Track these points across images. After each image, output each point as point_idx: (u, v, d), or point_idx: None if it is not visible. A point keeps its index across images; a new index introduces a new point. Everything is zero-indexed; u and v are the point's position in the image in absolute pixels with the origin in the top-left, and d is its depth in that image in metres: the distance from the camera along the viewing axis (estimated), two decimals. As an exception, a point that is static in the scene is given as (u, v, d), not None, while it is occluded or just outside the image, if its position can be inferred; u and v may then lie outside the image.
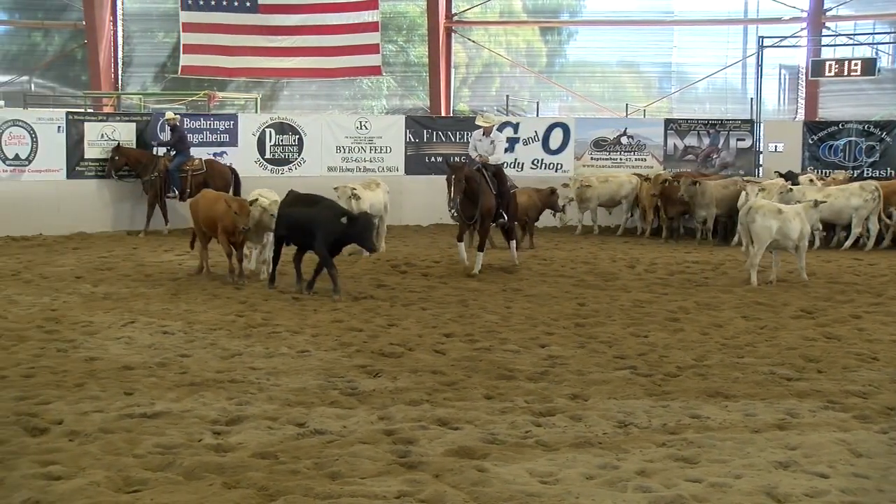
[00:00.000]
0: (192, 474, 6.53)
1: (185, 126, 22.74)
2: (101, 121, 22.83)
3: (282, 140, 23.69)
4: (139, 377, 9.16)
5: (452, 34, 32.12)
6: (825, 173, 23.54)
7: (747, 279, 15.28)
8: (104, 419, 7.73)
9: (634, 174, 23.41)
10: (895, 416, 8.01)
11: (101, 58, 30.46)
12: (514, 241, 17.40)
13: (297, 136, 23.77)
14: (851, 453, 7.04)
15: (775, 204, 15.94)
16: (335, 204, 14.79)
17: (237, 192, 20.92)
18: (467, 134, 24.58)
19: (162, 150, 21.94)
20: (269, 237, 15.22)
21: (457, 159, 18.74)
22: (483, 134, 16.56)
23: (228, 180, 21.64)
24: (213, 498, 6.12)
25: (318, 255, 14.02)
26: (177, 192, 21.61)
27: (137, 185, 21.89)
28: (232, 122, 23.63)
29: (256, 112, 27.32)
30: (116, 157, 21.69)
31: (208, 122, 23.46)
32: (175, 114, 22.76)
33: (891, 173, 23.24)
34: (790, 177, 21.52)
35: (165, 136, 22.20)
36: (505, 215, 16.56)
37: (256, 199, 14.86)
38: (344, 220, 13.68)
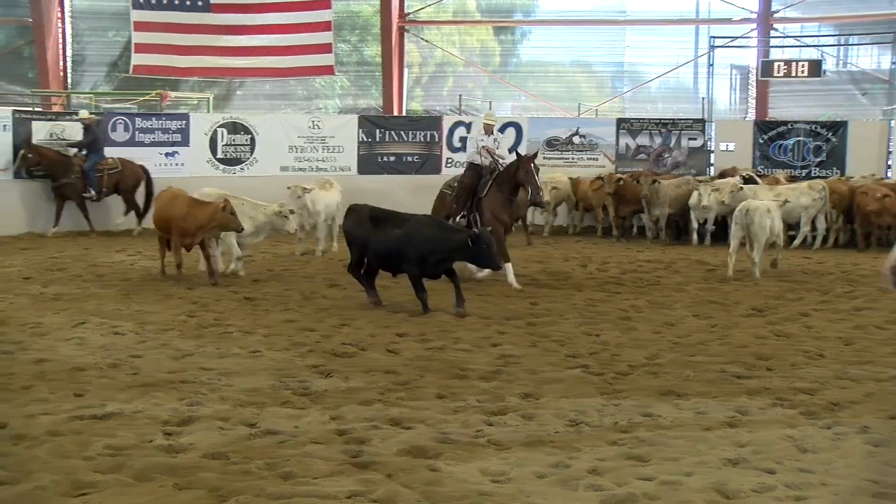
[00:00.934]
0: (143, 476, 6.47)
1: (138, 125, 22.60)
2: (50, 120, 22.61)
3: (234, 140, 23.57)
4: (90, 378, 9.07)
5: (406, 34, 32.11)
6: (771, 172, 23.83)
7: (727, 276, 15.71)
8: (53, 422, 7.63)
9: (566, 176, 23.62)
10: (840, 412, 8.12)
11: (49, 55, 30.08)
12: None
13: (250, 136, 23.66)
14: (798, 449, 7.13)
15: (766, 203, 16.19)
16: (432, 219, 14.03)
17: (149, 192, 20.92)
18: (420, 133, 24.76)
19: (73, 151, 21.62)
20: (230, 237, 15.24)
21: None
22: (486, 133, 16.03)
23: (141, 179, 21.53)
24: (165, 499, 6.08)
25: (411, 278, 12.95)
26: (93, 193, 21.36)
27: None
28: (184, 122, 23.47)
29: (209, 112, 27.15)
30: (29, 155, 21.28)
31: (160, 122, 23.31)
32: (90, 113, 22.54)
33: (837, 173, 23.55)
34: (751, 180, 21.73)
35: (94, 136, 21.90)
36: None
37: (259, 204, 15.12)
38: (466, 240, 12.65)
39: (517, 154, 16.05)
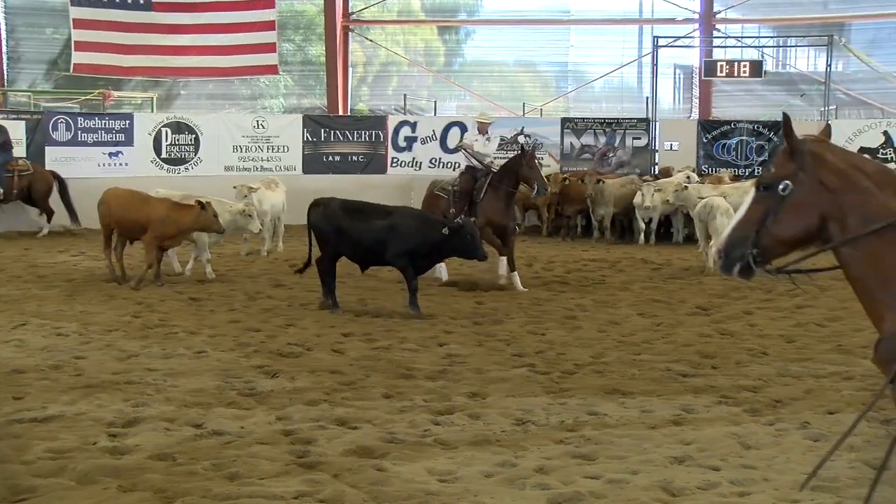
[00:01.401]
0: (86, 478, 6.38)
1: (80, 125, 22.38)
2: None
3: (178, 139, 23.41)
4: (30, 381, 8.94)
5: (350, 33, 32.01)
6: (715, 171, 24.08)
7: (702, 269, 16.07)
8: (-9, 425, 7.53)
9: None
10: (781, 409, 8.22)
11: (-17, 52, 29.51)
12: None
13: (194, 136, 23.51)
14: (742, 446, 7.20)
15: (726, 202, 16.45)
16: (417, 211, 13.79)
17: (65, 196, 20.66)
18: (365, 133, 24.71)
19: None
20: (204, 237, 15.13)
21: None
22: (479, 133, 15.99)
23: (51, 184, 21.25)
24: (109, 502, 6.01)
25: (401, 270, 12.82)
26: (1, 192, 21.05)
27: None
28: (127, 122, 23.29)
29: (153, 111, 26.90)
30: None
31: (103, 122, 23.09)
32: None
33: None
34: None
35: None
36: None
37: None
38: (445, 230, 12.51)
39: (521, 149, 16.03)
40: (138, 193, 15.11)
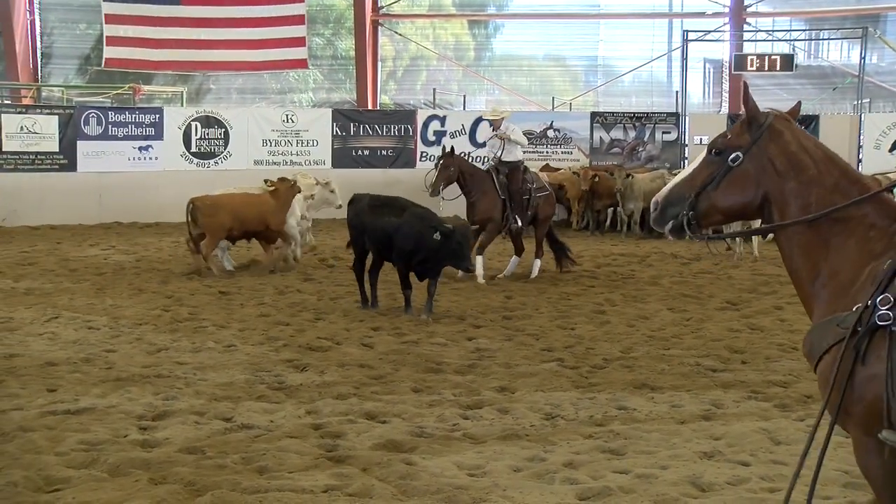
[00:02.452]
0: (117, 471, 6.42)
1: (111, 119, 22.54)
2: (20, 113, 22.45)
3: (208, 133, 23.49)
4: (63, 373, 9.01)
5: (379, 27, 32.06)
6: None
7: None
8: (24, 417, 7.57)
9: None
10: (812, 404, 8.17)
11: (19, 48, 29.74)
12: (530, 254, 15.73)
13: (224, 130, 23.59)
14: (772, 441, 7.16)
15: None
16: (427, 213, 12.43)
17: None
18: (394, 127, 24.75)
19: None
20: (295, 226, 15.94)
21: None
22: (493, 129, 15.69)
23: None
24: (139, 494, 6.04)
25: (399, 271, 12.42)
26: None
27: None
28: (157, 116, 23.37)
29: (182, 105, 27.04)
30: None
31: (133, 116, 23.18)
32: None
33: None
34: None
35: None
36: (518, 220, 15.27)
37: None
38: (437, 236, 11.71)
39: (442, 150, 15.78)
40: (243, 195, 15.51)
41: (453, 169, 15.13)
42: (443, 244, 11.74)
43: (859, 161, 24.50)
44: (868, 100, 26.96)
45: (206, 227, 14.80)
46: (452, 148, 15.64)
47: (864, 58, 26.49)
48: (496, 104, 17.86)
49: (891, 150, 24.46)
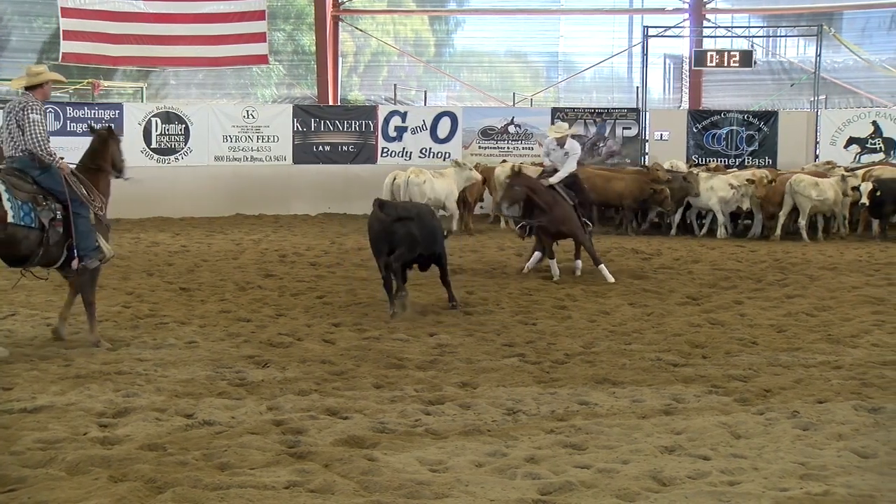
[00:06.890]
0: (75, 469, 6.36)
1: (69, 115, 22.33)
2: (-28, 107, 22.21)
3: (168, 129, 23.35)
4: (20, 371, 8.90)
5: (340, 23, 31.98)
6: (705, 161, 24.13)
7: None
8: (-20, 416, 7.50)
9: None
10: (771, 398, 8.24)
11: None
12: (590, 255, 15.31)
13: (184, 126, 23.47)
14: (732, 435, 7.21)
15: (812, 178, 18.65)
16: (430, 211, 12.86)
17: None
18: (355, 123, 24.71)
19: None
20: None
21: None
22: (557, 144, 15.35)
23: None
24: (98, 492, 5.98)
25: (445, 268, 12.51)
26: None
27: None
28: (117, 112, 23.25)
29: (142, 101, 26.84)
30: None
31: (93, 112, 23.04)
32: None
33: (769, 162, 23.89)
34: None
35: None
36: (590, 223, 15.54)
37: None
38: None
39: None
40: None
41: (518, 188, 15.04)
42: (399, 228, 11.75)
43: (816, 156, 24.78)
44: (824, 96, 27.23)
45: None
46: (520, 167, 15.99)
47: (819, 55, 26.77)
48: (558, 124, 17.92)
49: (846, 146, 24.76)
